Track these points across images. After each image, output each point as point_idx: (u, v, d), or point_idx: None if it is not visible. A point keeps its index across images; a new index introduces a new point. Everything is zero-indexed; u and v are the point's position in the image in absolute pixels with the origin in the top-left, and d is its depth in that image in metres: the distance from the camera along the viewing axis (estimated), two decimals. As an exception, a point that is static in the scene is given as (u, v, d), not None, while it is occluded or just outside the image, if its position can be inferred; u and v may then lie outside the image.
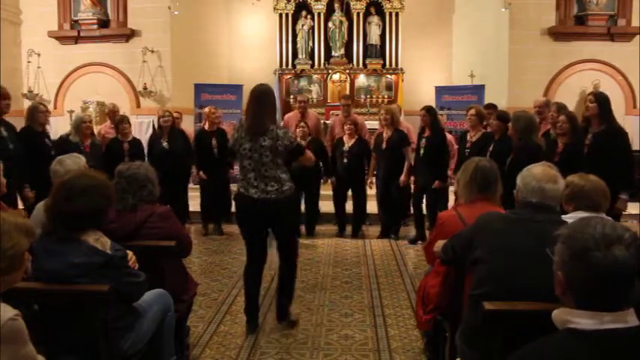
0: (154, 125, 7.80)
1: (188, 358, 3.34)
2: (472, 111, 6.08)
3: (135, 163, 3.18)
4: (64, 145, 5.70)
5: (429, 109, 6.39)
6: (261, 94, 3.67)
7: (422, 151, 6.28)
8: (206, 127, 6.92)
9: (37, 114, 5.66)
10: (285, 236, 3.86)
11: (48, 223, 2.35)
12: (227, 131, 6.94)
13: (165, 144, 6.52)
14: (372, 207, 7.01)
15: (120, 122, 6.56)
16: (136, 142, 6.59)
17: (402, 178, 6.45)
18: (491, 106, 6.73)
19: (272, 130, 3.60)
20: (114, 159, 5.84)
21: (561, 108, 5.36)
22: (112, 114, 7.31)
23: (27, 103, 9.42)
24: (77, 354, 2.27)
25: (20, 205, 5.39)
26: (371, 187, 6.85)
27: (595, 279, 1.29)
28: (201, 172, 6.79)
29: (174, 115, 7.31)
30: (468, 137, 6.06)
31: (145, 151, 6.68)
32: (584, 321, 1.29)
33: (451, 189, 6.26)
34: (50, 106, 9.89)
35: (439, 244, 2.73)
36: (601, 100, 4.61)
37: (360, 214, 6.93)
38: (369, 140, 7.01)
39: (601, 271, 1.28)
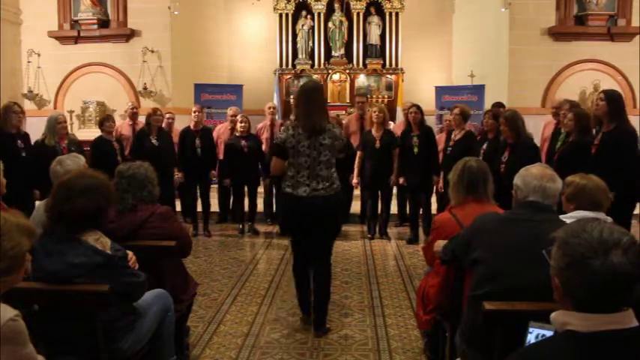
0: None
1: (188, 358, 3.33)
2: (456, 110, 6.16)
3: (135, 163, 3.17)
4: (41, 150, 5.39)
5: (419, 107, 6.42)
6: (313, 91, 3.66)
7: (416, 150, 6.29)
8: (192, 125, 6.90)
9: (11, 114, 5.37)
10: (327, 235, 3.77)
11: (48, 223, 2.35)
12: (250, 130, 6.98)
13: (154, 141, 6.46)
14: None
15: (105, 120, 6.43)
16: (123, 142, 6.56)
17: (393, 178, 6.47)
18: (500, 105, 6.77)
19: (330, 129, 3.61)
20: (104, 158, 5.83)
21: (573, 106, 5.31)
22: (132, 112, 7.48)
23: (27, 104, 9.45)
24: (77, 354, 2.27)
25: None
26: (357, 187, 6.84)
27: (592, 286, 1.27)
28: (180, 174, 6.66)
29: (168, 115, 7.34)
30: (453, 136, 6.14)
31: (128, 147, 6.65)
32: (582, 323, 1.28)
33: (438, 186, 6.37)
34: (50, 106, 9.93)
35: (439, 243, 2.74)
36: (611, 99, 4.42)
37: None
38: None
39: (598, 279, 1.26)
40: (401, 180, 6.49)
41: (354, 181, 6.71)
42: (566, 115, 5.05)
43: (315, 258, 3.79)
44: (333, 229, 3.79)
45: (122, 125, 7.52)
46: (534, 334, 1.53)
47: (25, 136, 5.67)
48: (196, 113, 6.85)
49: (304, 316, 3.91)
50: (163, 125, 6.94)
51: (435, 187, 6.49)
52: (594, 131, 4.73)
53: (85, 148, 6.16)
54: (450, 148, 6.01)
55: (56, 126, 5.57)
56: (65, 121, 5.87)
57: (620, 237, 1.28)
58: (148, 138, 6.49)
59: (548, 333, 1.50)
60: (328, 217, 3.67)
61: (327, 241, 3.80)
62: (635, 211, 7.24)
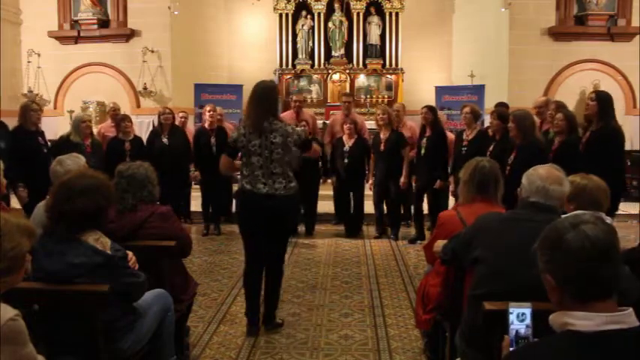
0: (153, 124, 7.83)
1: (188, 358, 3.33)
2: (467, 109, 6.08)
3: (135, 163, 3.17)
4: (65, 145, 5.65)
5: (431, 108, 6.40)
6: (263, 90, 3.66)
7: (422, 151, 6.28)
8: (206, 125, 6.94)
9: (30, 113, 5.60)
10: (282, 235, 3.83)
11: (48, 223, 2.35)
12: (231, 129, 7.01)
13: (165, 140, 6.57)
14: (371, 207, 7.01)
15: (122, 121, 6.55)
16: (137, 141, 6.59)
17: (402, 180, 6.43)
18: (503, 105, 6.77)
19: (281, 127, 3.60)
20: (115, 158, 5.87)
21: (560, 107, 5.35)
22: (114, 113, 7.31)
23: (27, 103, 9.44)
24: (77, 354, 2.27)
25: (16, 205, 5.40)
26: (370, 188, 6.84)
27: (576, 259, 1.32)
28: (197, 172, 6.81)
29: (181, 114, 7.42)
30: (464, 136, 6.07)
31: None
32: (583, 322, 1.29)
33: (450, 188, 6.29)
34: (50, 106, 9.93)
35: (439, 243, 2.74)
36: (601, 99, 4.58)
37: (359, 213, 6.93)
38: (369, 139, 7.01)
39: (577, 248, 1.32)
40: (413, 178, 6.47)
41: (370, 182, 6.75)
42: (553, 115, 5.08)
43: (269, 259, 3.80)
44: (288, 229, 3.86)
45: (105, 127, 7.38)
46: (515, 314, 1.65)
47: (43, 134, 5.89)
48: (211, 113, 6.88)
49: (250, 327, 3.77)
50: (177, 124, 6.98)
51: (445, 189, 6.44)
52: (580, 130, 4.84)
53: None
54: (465, 149, 5.90)
55: (80, 125, 5.95)
56: (90, 121, 6.22)
57: (587, 217, 1.38)
58: (159, 137, 6.59)
59: (527, 310, 1.63)
60: (284, 217, 3.70)
61: (282, 240, 3.85)
62: (635, 211, 7.26)
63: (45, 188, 5.24)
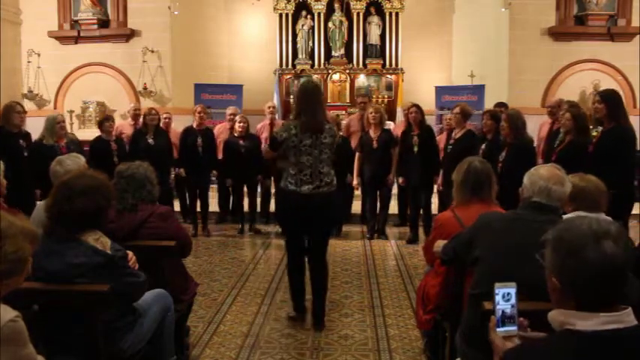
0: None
1: (188, 358, 3.33)
2: (457, 109, 6.17)
3: (134, 163, 3.17)
4: (40, 149, 5.38)
5: (419, 107, 6.44)
6: (314, 89, 3.74)
7: (415, 149, 6.30)
8: (194, 125, 6.95)
9: (13, 114, 5.41)
10: (325, 231, 3.89)
11: (48, 223, 2.35)
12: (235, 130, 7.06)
13: (150, 140, 6.56)
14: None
15: (105, 120, 6.46)
16: (121, 141, 6.56)
17: (390, 176, 6.48)
18: (502, 105, 6.78)
19: (330, 128, 3.69)
20: (101, 158, 5.82)
21: (572, 106, 5.31)
22: (135, 113, 7.51)
23: (27, 104, 9.44)
24: (77, 354, 2.27)
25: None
26: (357, 189, 6.84)
27: (590, 276, 1.30)
28: (181, 170, 6.79)
29: (165, 115, 7.43)
30: (453, 134, 6.17)
31: (127, 146, 6.63)
32: (582, 322, 1.29)
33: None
34: (50, 106, 9.93)
35: (439, 244, 2.74)
36: (607, 99, 4.42)
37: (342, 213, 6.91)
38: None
39: (594, 267, 1.29)
40: (400, 180, 6.50)
41: (354, 182, 6.71)
42: (564, 114, 5.06)
43: (313, 255, 3.88)
44: (331, 225, 3.94)
45: (124, 125, 7.58)
46: (500, 295, 1.65)
47: (27, 136, 5.70)
48: (200, 114, 6.88)
49: (297, 314, 3.96)
50: (161, 125, 6.97)
51: (434, 187, 6.50)
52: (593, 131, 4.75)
53: (85, 148, 6.17)
54: (451, 147, 6.01)
55: (55, 126, 5.52)
56: (64, 121, 5.82)
57: (609, 227, 1.33)
58: (144, 137, 6.57)
59: (512, 290, 1.65)
60: (328, 214, 3.78)
61: (325, 237, 3.91)
62: (635, 211, 7.26)
63: (21, 192, 5.17)
